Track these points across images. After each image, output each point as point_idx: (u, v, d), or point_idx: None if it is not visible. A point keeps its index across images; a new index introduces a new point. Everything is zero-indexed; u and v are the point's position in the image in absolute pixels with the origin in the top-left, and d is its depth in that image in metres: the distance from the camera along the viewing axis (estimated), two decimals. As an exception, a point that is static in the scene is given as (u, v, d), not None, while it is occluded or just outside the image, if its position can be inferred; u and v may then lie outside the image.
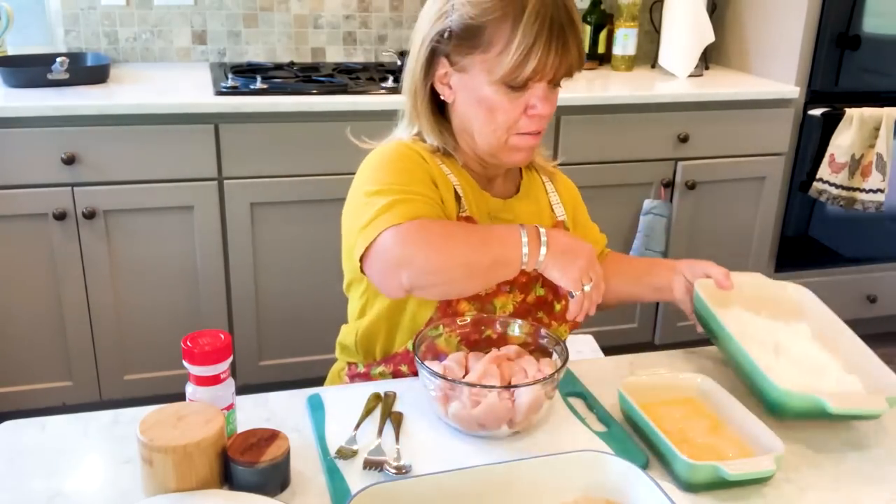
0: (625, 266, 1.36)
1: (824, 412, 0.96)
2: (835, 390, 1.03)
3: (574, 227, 1.34)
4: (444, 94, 1.15)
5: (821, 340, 1.14)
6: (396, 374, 1.21)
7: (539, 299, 1.21)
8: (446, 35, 1.10)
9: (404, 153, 1.16)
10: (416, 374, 1.21)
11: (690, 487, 0.92)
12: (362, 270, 1.08)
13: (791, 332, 1.14)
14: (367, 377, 1.24)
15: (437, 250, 1.02)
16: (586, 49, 2.85)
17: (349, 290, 1.29)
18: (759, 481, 0.93)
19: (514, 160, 1.16)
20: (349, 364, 1.29)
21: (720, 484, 0.90)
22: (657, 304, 2.67)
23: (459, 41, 1.10)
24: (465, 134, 1.18)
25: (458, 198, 1.17)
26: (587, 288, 1.04)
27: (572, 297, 1.05)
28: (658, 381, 1.08)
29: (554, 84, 1.11)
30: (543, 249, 1.03)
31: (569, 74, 1.10)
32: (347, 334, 1.28)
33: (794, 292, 1.23)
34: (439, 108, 1.19)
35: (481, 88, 1.10)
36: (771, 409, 1.02)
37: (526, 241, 1.02)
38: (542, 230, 1.04)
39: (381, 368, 1.23)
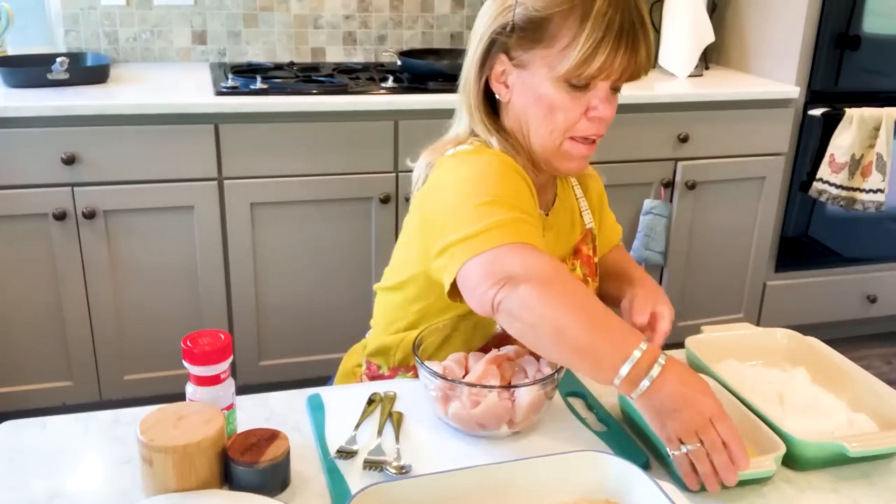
0: (615, 269, 1.33)
1: (845, 457, 0.93)
2: (847, 432, 1.00)
3: (600, 224, 1.30)
4: (500, 93, 1.10)
5: (821, 382, 1.12)
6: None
7: None
8: (508, 28, 1.05)
9: (506, 164, 1.07)
10: None
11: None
12: (455, 280, 0.97)
13: (790, 378, 1.12)
14: (385, 379, 1.21)
15: (546, 296, 0.90)
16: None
17: (396, 291, 1.19)
18: (759, 481, 0.93)
19: (567, 168, 1.12)
20: (369, 364, 1.25)
21: (720, 484, 0.89)
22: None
23: (522, 34, 1.05)
24: (519, 137, 1.12)
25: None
26: (685, 449, 0.87)
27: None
28: None
29: (616, 87, 1.07)
30: (645, 383, 0.87)
31: (635, 76, 1.05)
32: (389, 338, 1.21)
33: (783, 337, 1.21)
34: (493, 110, 1.14)
35: (541, 85, 1.05)
36: (788, 461, 0.97)
37: (633, 360, 0.87)
38: (661, 360, 0.87)
39: (409, 374, 1.20)
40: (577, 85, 1.04)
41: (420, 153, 1.17)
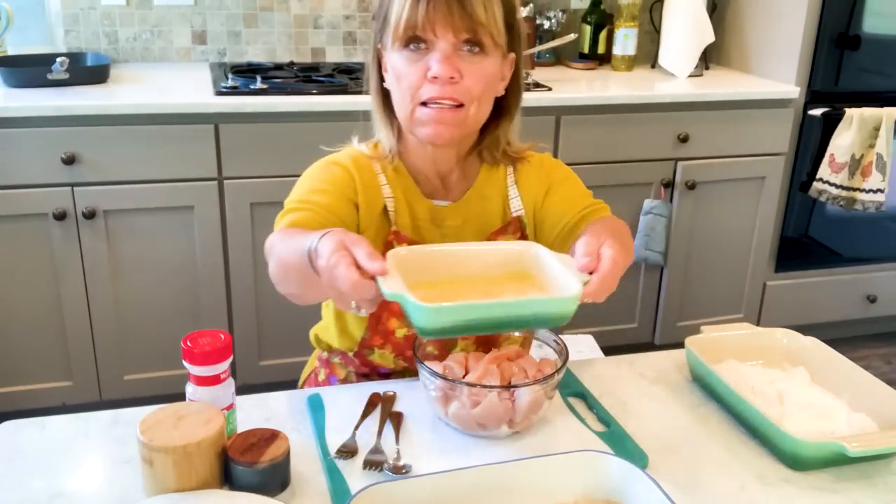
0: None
1: (844, 457, 0.93)
2: (847, 432, 1.00)
3: (542, 215, 1.22)
4: (387, 82, 1.14)
5: (820, 382, 1.12)
6: (348, 364, 1.25)
7: None
8: (374, 20, 1.13)
9: (328, 168, 1.16)
10: (364, 372, 1.23)
11: None
12: None
13: (790, 378, 1.12)
14: (327, 364, 1.29)
15: (272, 263, 1.00)
16: (586, 49, 2.86)
17: None
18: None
19: (425, 135, 1.10)
20: (319, 355, 1.33)
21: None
22: (657, 303, 2.68)
23: (377, 21, 1.12)
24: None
25: (385, 213, 1.16)
26: (362, 313, 0.89)
27: None
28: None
29: (469, 52, 1.06)
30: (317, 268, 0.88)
31: (465, 30, 1.04)
32: (320, 326, 1.31)
33: (783, 337, 1.21)
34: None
35: (391, 58, 1.10)
36: (788, 461, 0.98)
37: (307, 258, 0.89)
38: (316, 238, 0.88)
39: (337, 359, 1.27)
40: (412, 48, 1.07)
41: None
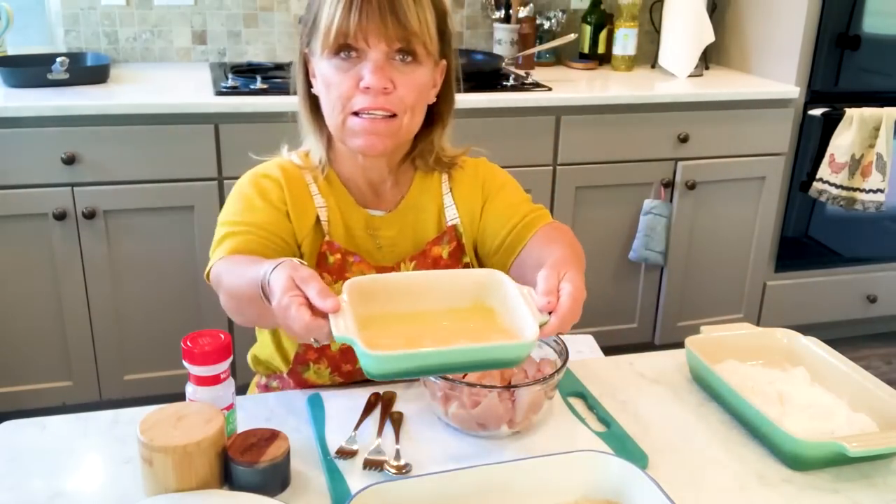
0: (537, 252, 1.12)
1: (844, 457, 0.93)
2: (847, 432, 1.00)
3: (482, 224, 1.20)
4: (315, 88, 1.12)
5: (820, 382, 1.12)
6: (285, 387, 1.23)
7: None
8: (301, 24, 1.11)
9: (258, 182, 1.14)
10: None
11: None
12: None
13: (790, 378, 1.12)
14: (266, 389, 1.27)
15: (224, 295, 1.02)
16: (586, 49, 2.86)
17: None
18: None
19: (358, 146, 1.08)
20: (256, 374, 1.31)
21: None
22: (657, 303, 2.68)
23: (305, 27, 1.10)
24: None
25: (319, 222, 1.14)
26: (315, 344, 0.87)
27: None
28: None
29: (402, 60, 1.05)
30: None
31: (390, 42, 1.02)
32: (256, 348, 1.30)
33: (783, 337, 1.21)
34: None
35: (319, 66, 1.08)
36: (788, 460, 0.98)
37: (260, 291, 0.89)
38: (268, 271, 0.87)
39: (275, 383, 1.24)
40: (342, 57, 1.05)
41: None
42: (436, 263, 1.18)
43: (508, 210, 1.18)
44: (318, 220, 1.14)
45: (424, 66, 1.07)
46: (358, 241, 1.17)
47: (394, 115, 1.06)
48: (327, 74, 1.06)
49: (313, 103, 1.15)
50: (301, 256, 1.13)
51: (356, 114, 1.06)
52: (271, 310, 0.86)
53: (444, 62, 1.13)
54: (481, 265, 1.22)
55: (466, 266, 1.21)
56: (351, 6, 1.01)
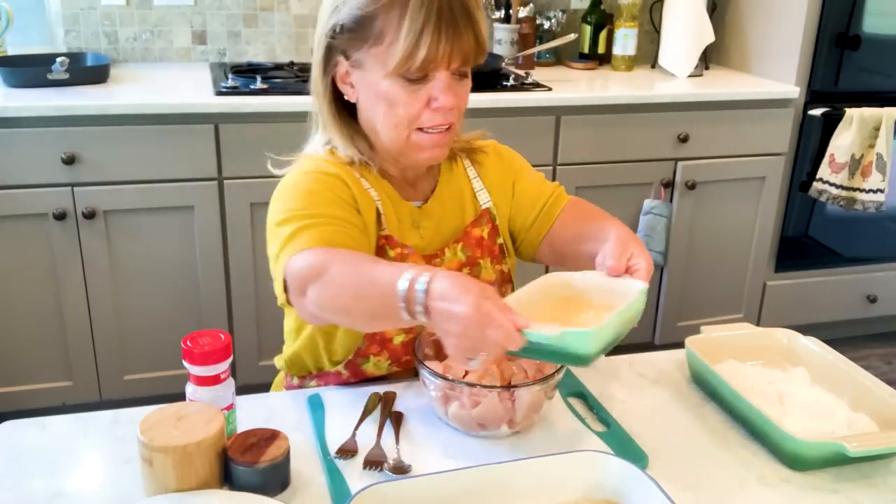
0: (576, 226, 1.22)
1: (844, 457, 0.93)
2: (847, 432, 1.00)
3: (514, 203, 1.25)
4: (348, 94, 1.11)
5: (820, 382, 1.12)
6: (327, 384, 1.21)
7: None
8: (339, 30, 1.07)
9: (318, 178, 1.10)
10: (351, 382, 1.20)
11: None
12: (288, 302, 1.03)
13: (790, 378, 1.12)
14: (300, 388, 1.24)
15: (328, 290, 0.95)
16: (586, 49, 2.86)
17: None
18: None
19: (422, 159, 1.11)
20: (287, 375, 1.28)
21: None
22: (657, 303, 2.68)
23: (352, 35, 1.06)
24: (372, 135, 1.13)
25: (378, 215, 1.13)
26: (473, 364, 0.89)
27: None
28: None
29: (458, 75, 1.06)
30: (419, 308, 0.86)
31: (469, 62, 1.05)
32: (285, 349, 1.26)
33: (783, 337, 1.21)
34: (350, 113, 1.15)
35: (379, 83, 1.05)
36: (788, 461, 0.98)
37: (403, 294, 0.86)
38: (424, 277, 0.86)
39: (314, 382, 1.22)
40: (412, 78, 1.04)
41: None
42: (479, 244, 1.21)
43: (534, 190, 1.26)
44: (377, 210, 1.14)
45: (469, 75, 1.10)
46: (406, 233, 1.17)
47: (451, 126, 1.10)
48: (391, 93, 1.05)
49: (341, 107, 1.14)
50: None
51: (420, 128, 1.08)
52: (395, 313, 0.86)
53: None
54: (513, 240, 1.28)
55: (501, 247, 1.24)
56: (440, 37, 1.00)
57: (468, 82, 1.10)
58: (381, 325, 1.02)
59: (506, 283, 1.24)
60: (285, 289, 1.01)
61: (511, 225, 1.27)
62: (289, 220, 1.04)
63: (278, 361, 1.28)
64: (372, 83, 1.06)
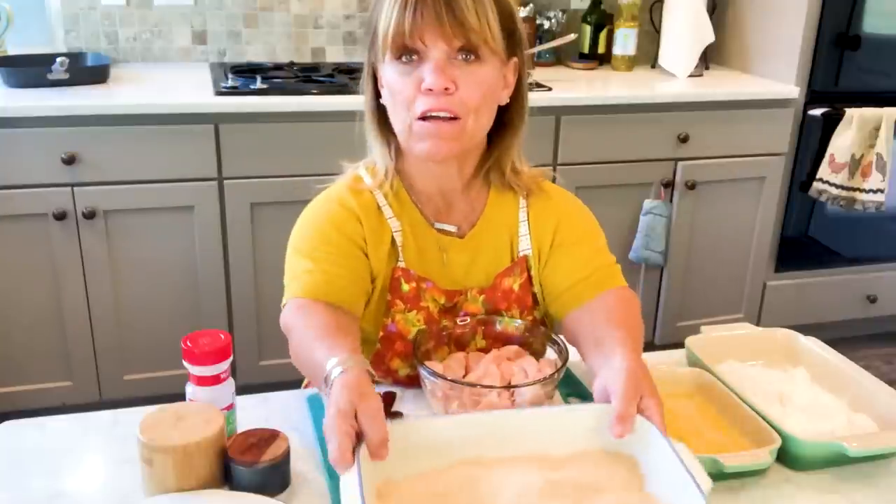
0: (593, 333, 1.06)
1: (844, 457, 0.93)
2: (847, 432, 1.00)
3: (553, 253, 1.16)
4: (384, 99, 1.09)
5: (820, 382, 1.12)
6: None
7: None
8: (365, 33, 1.11)
9: (333, 214, 1.11)
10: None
11: None
12: None
13: (790, 378, 1.12)
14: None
15: (292, 348, 1.02)
16: (586, 49, 2.86)
17: None
18: (753, 474, 0.94)
19: (423, 151, 1.05)
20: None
21: (717, 476, 0.89)
22: (657, 303, 2.68)
23: (370, 35, 1.08)
24: (397, 134, 1.10)
25: (393, 245, 1.12)
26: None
27: None
28: (657, 374, 1.06)
29: (463, 59, 1.01)
30: (327, 391, 0.86)
31: (457, 37, 0.99)
32: None
33: (783, 337, 1.21)
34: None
35: (385, 74, 1.05)
36: (788, 461, 0.98)
37: (324, 375, 0.88)
38: (337, 370, 0.86)
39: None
40: (403, 61, 1.02)
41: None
42: (506, 296, 1.15)
43: (581, 260, 1.15)
44: (392, 242, 1.12)
45: (489, 65, 1.03)
46: (428, 263, 1.14)
47: (457, 118, 1.03)
48: (391, 80, 1.04)
49: (381, 114, 1.12)
50: (373, 291, 1.12)
51: (422, 119, 1.03)
52: (323, 387, 0.88)
53: (515, 59, 1.09)
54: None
55: (534, 296, 1.18)
56: (406, 5, 0.99)
57: (479, 70, 1.02)
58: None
59: (536, 328, 1.15)
60: None
61: (542, 285, 1.18)
62: (297, 254, 1.11)
63: None
64: (385, 77, 1.06)
